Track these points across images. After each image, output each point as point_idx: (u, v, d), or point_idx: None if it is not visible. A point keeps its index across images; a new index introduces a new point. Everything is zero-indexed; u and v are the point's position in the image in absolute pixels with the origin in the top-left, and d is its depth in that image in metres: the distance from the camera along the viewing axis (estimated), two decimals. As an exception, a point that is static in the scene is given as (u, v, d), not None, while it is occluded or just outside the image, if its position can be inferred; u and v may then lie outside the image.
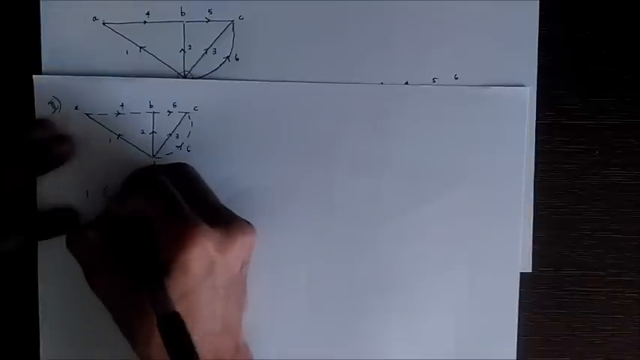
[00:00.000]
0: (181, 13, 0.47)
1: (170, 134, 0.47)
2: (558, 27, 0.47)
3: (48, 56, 0.47)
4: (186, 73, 0.47)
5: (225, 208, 0.44)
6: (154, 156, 0.47)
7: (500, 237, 0.47)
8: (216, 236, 0.41)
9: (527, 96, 0.47)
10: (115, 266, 0.43)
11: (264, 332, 0.47)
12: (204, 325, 0.40)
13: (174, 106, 0.47)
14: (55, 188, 0.47)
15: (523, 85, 0.47)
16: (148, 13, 0.47)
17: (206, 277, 0.40)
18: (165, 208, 0.41)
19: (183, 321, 0.38)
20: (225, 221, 0.42)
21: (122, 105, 0.47)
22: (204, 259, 0.40)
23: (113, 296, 0.42)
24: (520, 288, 0.47)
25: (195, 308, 0.40)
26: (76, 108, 0.47)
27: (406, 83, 0.47)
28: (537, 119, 0.47)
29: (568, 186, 0.48)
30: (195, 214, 0.41)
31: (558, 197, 0.48)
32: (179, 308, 0.38)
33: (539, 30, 0.47)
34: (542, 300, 0.48)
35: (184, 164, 0.45)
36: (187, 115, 0.47)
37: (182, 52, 0.47)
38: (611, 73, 0.47)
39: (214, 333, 0.41)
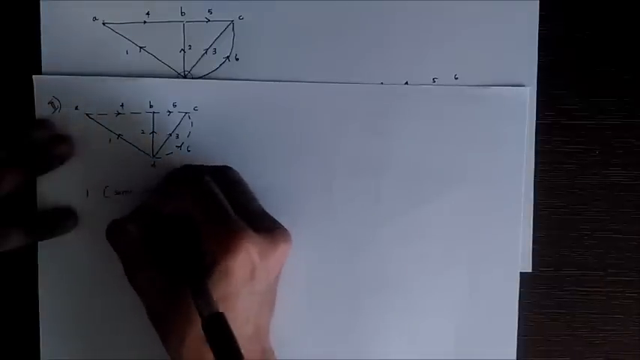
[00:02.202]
0: (181, 13, 0.47)
1: (170, 134, 0.47)
2: (558, 27, 0.47)
3: (48, 56, 0.47)
4: (186, 73, 0.47)
5: (268, 215, 0.44)
6: (154, 156, 0.47)
7: (500, 237, 0.47)
8: (259, 242, 0.41)
9: (527, 96, 0.47)
10: (155, 262, 0.43)
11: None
12: (238, 329, 0.40)
13: (174, 106, 0.47)
14: (55, 188, 0.47)
15: (523, 85, 0.47)
16: (147, 13, 0.47)
17: (247, 283, 0.41)
18: (211, 211, 0.41)
19: (227, 322, 0.38)
20: (268, 228, 0.43)
21: (122, 105, 0.47)
22: (247, 264, 0.40)
23: (150, 292, 0.42)
24: (520, 288, 0.47)
25: (232, 312, 0.40)
26: (76, 108, 0.47)
27: (406, 83, 0.47)
28: (537, 119, 0.47)
29: (568, 186, 0.48)
30: (240, 219, 0.41)
31: (558, 197, 0.48)
32: (217, 307, 0.39)
33: (539, 30, 0.47)
34: (542, 300, 0.48)
35: (229, 167, 0.45)
36: (187, 115, 0.47)
37: (182, 52, 0.47)
38: (611, 73, 0.47)
39: (246, 337, 0.41)
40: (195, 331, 0.39)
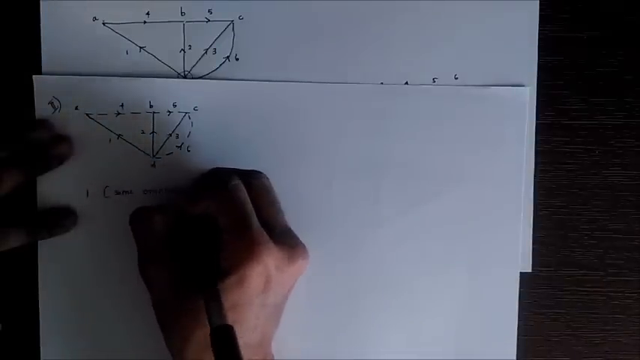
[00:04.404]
0: (181, 13, 0.47)
1: (170, 134, 0.47)
2: (558, 27, 0.47)
3: (48, 56, 0.47)
4: (186, 73, 0.47)
5: (290, 229, 0.44)
6: (154, 156, 0.47)
7: (500, 237, 0.47)
8: (279, 256, 0.41)
9: (527, 96, 0.47)
10: (171, 259, 0.43)
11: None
12: (244, 337, 0.41)
13: (174, 106, 0.47)
14: (55, 188, 0.47)
15: (523, 85, 0.47)
16: (147, 13, 0.47)
17: (260, 294, 0.41)
18: (234, 217, 0.41)
19: (235, 336, 0.38)
20: (289, 243, 0.43)
21: (122, 105, 0.47)
22: (262, 276, 0.41)
23: (161, 287, 0.42)
24: (520, 288, 0.47)
25: (241, 320, 0.40)
26: (76, 108, 0.47)
27: (406, 83, 0.47)
28: (537, 119, 0.47)
29: (568, 186, 0.48)
30: (263, 229, 0.41)
31: (558, 197, 0.48)
32: (227, 317, 0.39)
33: (539, 30, 0.47)
34: (542, 300, 0.48)
35: (260, 173, 0.45)
36: (187, 115, 0.47)
37: (182, 52, 0.47)
38: (611, 73, 0.47)
39: (251, 345, 0.42)
40: (201, 333, 0.40)
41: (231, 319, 0.39)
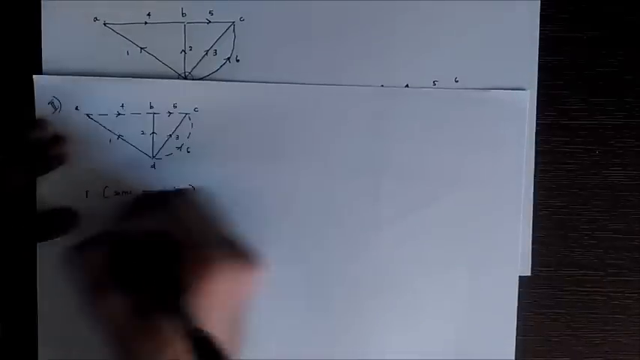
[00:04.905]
0: (182, 14, 0.47)
1: (170, 135, 0.47)
2: (558, 27, 0.47)
3: (48, 56, 0.47)
4: (186, 74, 0.47)
5: (239, 240, 0.43)
6: (153, 157, 0.47)
7: (500, 239, 0.47)
8: (233, 269, 0.40)
9: (527, 100, 0.47)
10: (120, 286, 0.40)
11: (264, 332, 0.47)
12: None
13: (175, 107, 0.47)
14: (55, 188, 0.47)
15: (523, 89, 0.47)
16: (149, 14, 0.47)
17: (215, 309, 0.39)
18: (190, 233, 0.40)
19: (217, 341, 0.37)
20: (242, 255, 0.41)
21: (122, 105, 0.47)
22: (213, 292, 0.39)
23: (121, 315, 0.39)
24: (519, 288, 0.47)
25: None
26: (76, 108, 0.47)
27: (407, 86, 0.47)
28: (537, 119, 0.47)
29: (568, 186, 0.48)
30: (211, 243, 0.40)
31: (558, 197, 0.48)
32: None
33: (540, 30, 0.47)
34: (542, 300, 0.48)
35: (192, 189, 0.44)
36: (187, 116, 0.47)
37: (183, 53, 0.47)
38: (611, 73, 0.48)
39: None
40: (170, 350, 0.38)
41: None
